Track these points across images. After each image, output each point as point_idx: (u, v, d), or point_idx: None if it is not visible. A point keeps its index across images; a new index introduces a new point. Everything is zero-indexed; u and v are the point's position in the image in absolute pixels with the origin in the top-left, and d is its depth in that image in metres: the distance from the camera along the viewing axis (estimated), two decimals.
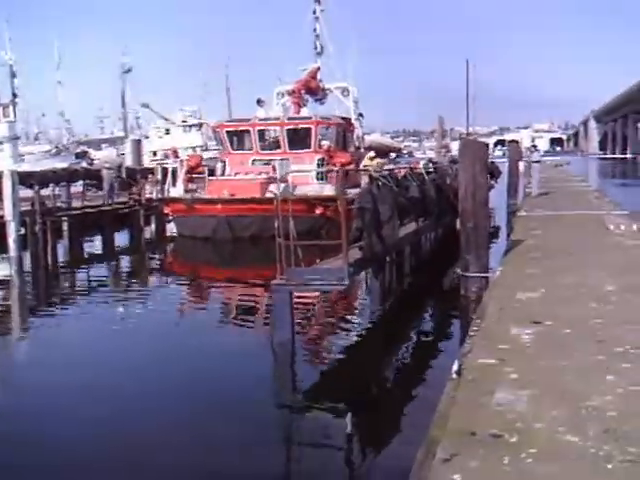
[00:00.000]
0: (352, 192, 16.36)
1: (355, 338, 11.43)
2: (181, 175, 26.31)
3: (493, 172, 27.14)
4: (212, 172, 27.40)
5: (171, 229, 26.52)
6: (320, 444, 7.58)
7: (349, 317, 13.22)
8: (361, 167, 24.85)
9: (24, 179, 21.06)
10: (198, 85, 77.24)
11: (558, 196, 24.25)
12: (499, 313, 7.81)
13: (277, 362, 9.70)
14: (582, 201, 21.99)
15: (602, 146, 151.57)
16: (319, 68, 34.14)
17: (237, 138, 27.92)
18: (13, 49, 54.59)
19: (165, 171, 26.60)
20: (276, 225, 9.49)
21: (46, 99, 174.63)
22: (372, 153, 28.85)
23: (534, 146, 36.41)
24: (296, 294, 10.34)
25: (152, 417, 8.22)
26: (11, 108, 51.08)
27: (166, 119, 65.46)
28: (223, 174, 26.87)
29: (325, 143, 26.59)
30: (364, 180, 19.00)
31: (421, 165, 18.63)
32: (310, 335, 11.72)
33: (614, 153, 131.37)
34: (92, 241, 24.96)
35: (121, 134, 75.60)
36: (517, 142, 50.71)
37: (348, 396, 8.56)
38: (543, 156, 39.44)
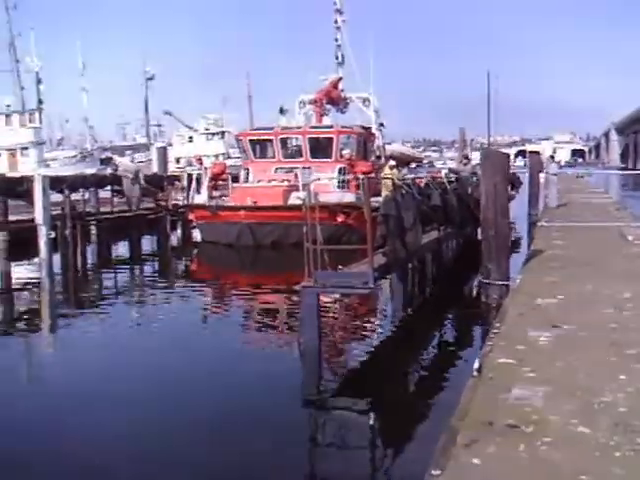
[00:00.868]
0: (373, 200, 16.74)
1: (378, 341, 11.82)
2: (205, 182, 26.79)
3: (514, 183, 27.43)
4: (236, 179, 27.87)
5: (195, 235, 27.00)
6: (345, 441, 7.89)
7: (372, 320, 13.64)
8: (381, 176, 25.27)
9: (55, 183, 21.62)
10: (220, 93, 78.05)
11: (578, 207, 24.44)
12: (518, 317, 8.13)
13: (304, 362, 10.05)
14: (602, 212, 22.17)
15: (623, 158, 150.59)
16: (341, 78, 34.54)
17: (260, 146, 28.36)
18: (38, 56, 55.54)
19: (190, 178, 27.09)
20: (304, 231, 9.86)
21: (69, 105, 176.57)
22: (392, 162, 29.15)
23: (552, 157, 36.58)
24: (322, 298, 10.71)
25: (181, 416, 8.49)
26: (37, 114, 52.19)
27: (189, 127, 66.28)
28: (246, 182, 27.28)
29: (346, 152, 26.97)
30: (385, 189, 19.35)
31: (443, 174, 18.96)
32: (335, 337, 12.09)
33: (635, 165, 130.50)
34: (120, 245, 25.50)
35: (143, 141, 76.61)
36: (538, 153, 50.80)
37: (372, 395, 8.91)
38: (564, 167, 39.58)
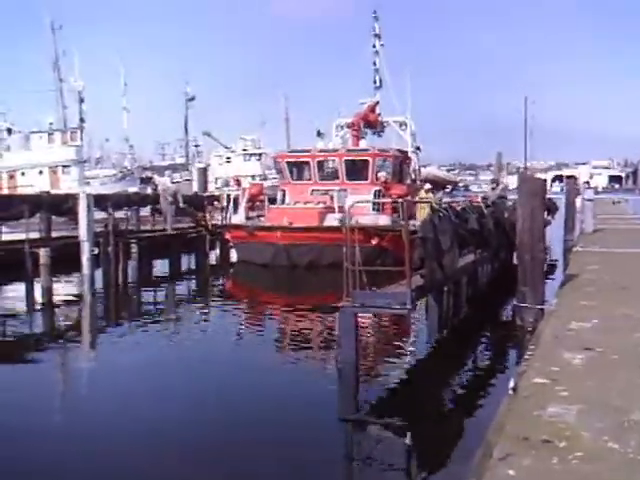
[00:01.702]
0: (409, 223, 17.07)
1: (414, 361, 12.04)
2: (243, 203, 27.28)
3: (550, 208, 27.49)
4: (272, 200, 28.32)
5: (233, 255, 27.41)
6: (381, 460, 8.09)
7: (408, 341, 13.86)
8: (417, 199, 25.49)
9: (99, 201, 22.25)
10: (258, 115, 79.09)
11: (614, 233, 24.41)
12: (553, 340, 8.35)
13: (341, 380, 10.29)
14: (638, 239, 22.14)
15: None
16: (378, 102, 34.96)
17: (297, 168, 28.76)
18: (81, 75, 56.99)
19: (229, 198, 27.62)
20: (344, 251, 10.16)
21: (110, 124, 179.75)
22: (428, 185, 29.53)
23: (587, 182, 36.53)
24: (360, 318, 10.97)
25: (217, 433, 8.78)
26: (79, 133, 53.42)
27: (227, 147, 67.22)
28: (283, 203, 27.69)
29: (382, 175, 27.28)
30: (420, 212, 19.61)
31: (479, 198, 19.18)
32: (372, 357, 12.34)
33: None
34: (160, 263, 26.02)
35: (182, 161, 77.83)
36: (575, 178, 50.65)
37: (408, 414, 9.12)
38: (600, 193, 39.42)
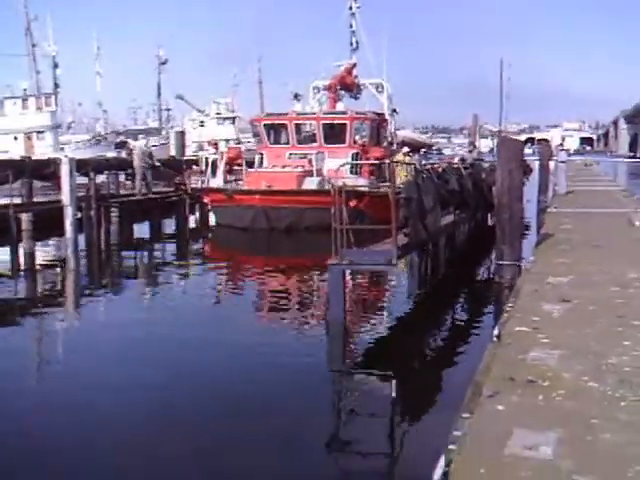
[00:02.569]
0: (385, 185, 17.51)
1: (397, 316, 12.48)
2: (221, 166, 27.37)
3: (525, 170, 27.97)
4: (250, 164, 28.42)
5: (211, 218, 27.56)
6: (367, 407, 8.52)
7: (391, 298, 14.36)
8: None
9: (80, 166, 22.26)
10: (231, 78, 78.26)
11: (587, 194, 25.01)
12: (532, 293, 8.82)
13: (330, 335, 10.73)
14: (610, 199, 22.75)
15: (632, 147, 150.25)
16: (355, 64, 34.86)
17: (275, 132, 28.82)
18: (55, 40, 56.19)
19: (207, 162, 27.68)
20: (332, 212, 10.48)
21: (82, 89, 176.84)
22: (406, 149, 29.82)
23: (561, 145, 37.10)
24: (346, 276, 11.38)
25: (211, 386, 9.03)
26: (53, 98, 52.84)
27: (200, 111, 66.72)
28: (261, 166, 27.83)
29: (359, 138, 27.52)
30: (399, 174, 19.95)
31: (456, 160, 19.59)
32: (357, 313, 12.77)
33: None
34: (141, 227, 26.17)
35: (155, 125, 77.17)
36: (547, 141, 51.23)
37: (393, 365, 9.59)
38: (572, 155, 40.03)
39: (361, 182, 24.91)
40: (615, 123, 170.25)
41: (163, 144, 56.81)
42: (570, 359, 5.99)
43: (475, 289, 15.13)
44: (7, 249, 19.07)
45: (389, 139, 32.95)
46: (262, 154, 28.45)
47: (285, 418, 7.92)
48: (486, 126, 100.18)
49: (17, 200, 21.22)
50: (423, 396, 8.50)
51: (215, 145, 32.76)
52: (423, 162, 22.08)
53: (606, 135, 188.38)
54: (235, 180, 27.86)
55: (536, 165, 32.29)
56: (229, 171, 28.09)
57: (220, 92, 75.73)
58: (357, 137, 27.78)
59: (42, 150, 46.47)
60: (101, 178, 25.48)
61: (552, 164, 30.74)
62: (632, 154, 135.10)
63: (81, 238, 20.83)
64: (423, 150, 63.37)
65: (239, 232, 24.54)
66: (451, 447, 4.30)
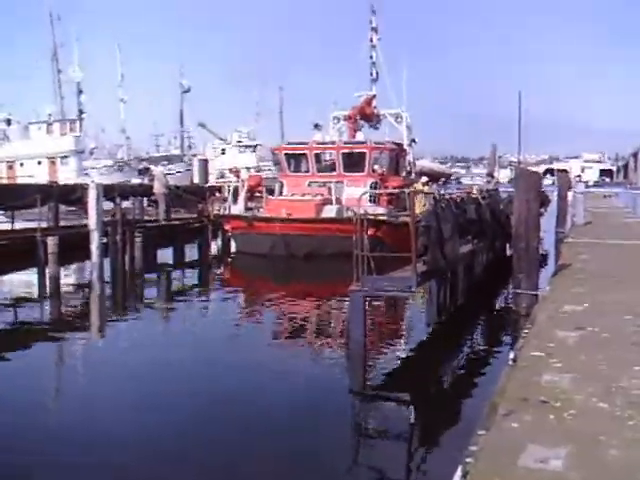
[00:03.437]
0: (404, 214, 17.87)
1: (418, 342, 12.80)
2: (242, 194, 27.89)
3: (543, 201, 28.22)
4: (271, 192, 28.91)
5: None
6: (386, 431, 8.81)
7: (410, 325, 14.68)
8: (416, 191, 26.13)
9: (107, 192, 22.82)
10: (253, 107, 79.39)
11: (604, 225, 25.16)
12: (547, 321, 9.09)
13: (350, 359, 11.05)
14: (628, 231, 22.89)
15: None
16: (374, 96, 35.42)
17: (295, 160, 29.30)
18: (80, 66, 57.38)
19: (229, 189, 28.22)
20: (354, 240, 10.86)
21: (105, 115, 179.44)
22: (425, 178, 30.22)
23: (578, 177, 37.29)
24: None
25: (232, 408, 9.27)
26: (78, 123, 53.95)
27: (222, 139, 67.74)
28: (281, 194, 28.28)
29: (378, 167, 27.95)
30: (418, 203, 20.29)
31: (475, 190, 19.93)
32: (377, 338, 13.07)
33: None
34: (165, 252, 26.64)
35: (177, 152, 78.29)
36: (566, 172, 51.42)
37: (412, 390, 9.87)
38: (591, 187, 40.16)
39: (380, 211, 25.24)
40: (635, 155, 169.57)
41: (187, 170, 57.69)
42: (581, 382, 6.27)
43: (492, 317, 15.40)
44: (33, 271, 19.58)
45: (408, 168, 33.37)
46: (282, 182, 28.92)
47: (305, 439, 8.20)
48: (506, 156, 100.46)
49: (43, 224, 21.76)
50: (441, 422, 8.72)
51: (237, 173, 33.35)
52: (441, 192, 22.32)
53: (626, 167, 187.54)
54: (256, 207, 28.36)
55: (554, 196, 32.47)
56: (250, 198, 28.62)
57: (241, 118, 76.88)
58: (376, 166, 28.18)
59: (66, 175, 47.39)
60: (125, 204, 26.13)
61: (570, 195, 30.96)
62: None
63: (105, 262, 21.31)
64: (442, 180, 63.66)
65: (259, 259, 24.86)
66: (468, 460, 4.60)
